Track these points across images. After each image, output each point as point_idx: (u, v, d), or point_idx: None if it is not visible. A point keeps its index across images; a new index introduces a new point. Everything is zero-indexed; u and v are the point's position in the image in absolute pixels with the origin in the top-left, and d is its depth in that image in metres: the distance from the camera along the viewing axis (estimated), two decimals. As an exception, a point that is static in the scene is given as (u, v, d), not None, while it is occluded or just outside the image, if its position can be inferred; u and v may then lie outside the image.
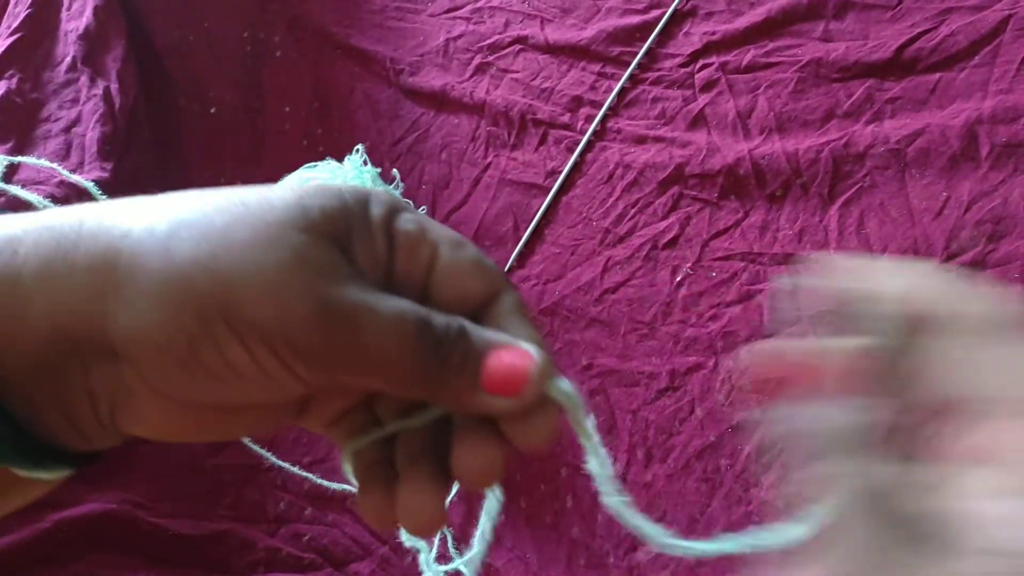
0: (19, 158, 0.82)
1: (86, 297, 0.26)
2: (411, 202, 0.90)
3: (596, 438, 0.31)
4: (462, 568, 0.73)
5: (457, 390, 0.27)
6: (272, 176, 0.88)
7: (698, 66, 0.88)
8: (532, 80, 0.93)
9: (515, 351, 0.27)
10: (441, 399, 0.28)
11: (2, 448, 0.26)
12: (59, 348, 0.26)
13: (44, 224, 0.26)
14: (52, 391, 0.27)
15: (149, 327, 0.25)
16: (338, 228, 0.27)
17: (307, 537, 0.77)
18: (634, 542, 0.72)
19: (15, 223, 0.26)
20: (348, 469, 0.31)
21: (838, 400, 0.27)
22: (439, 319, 0.27)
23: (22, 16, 0.93)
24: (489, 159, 0.91)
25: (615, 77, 0.90)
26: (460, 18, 0.99)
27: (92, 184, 0.82)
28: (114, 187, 0.83)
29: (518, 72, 0.94)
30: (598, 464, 0.30)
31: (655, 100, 0.88)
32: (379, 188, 0.85)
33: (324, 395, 0.31)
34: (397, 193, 0.89)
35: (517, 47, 0.95)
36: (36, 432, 0.27)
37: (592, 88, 0.91)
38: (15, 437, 0.26)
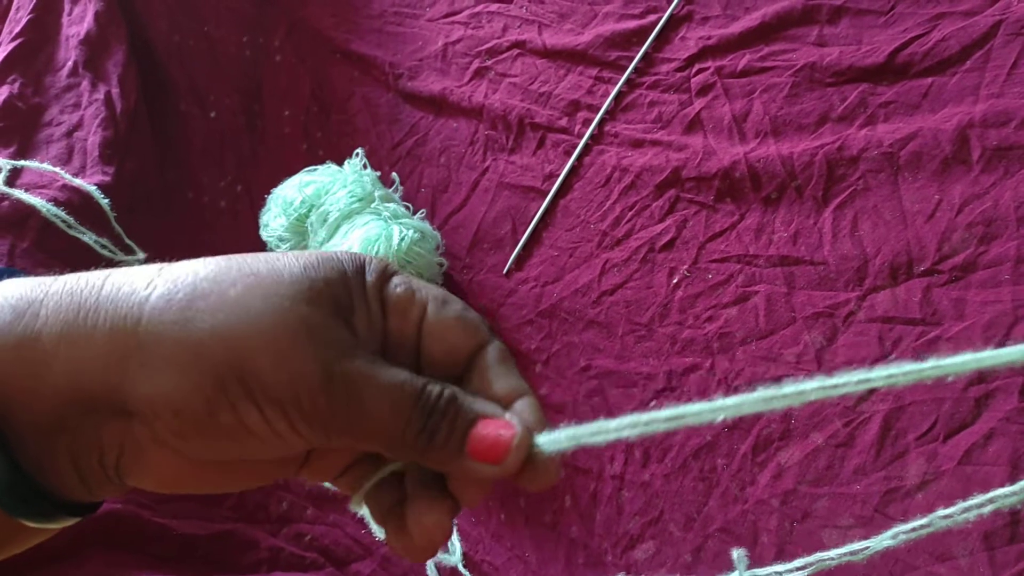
0: (22, 162, 0.83)
1: (105, 361, 0.27)
2: (411, 205, 0.91)
3: None
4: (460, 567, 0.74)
5: (444, 456, 0.30)
6: (272, 180, 0.89)
7: (694, 70, 0.89)
8: (530, 84, 0.94)
9: (498, 423, 0.30)
10: (429, 463, 0.31)
11: (12, 501, 0.27)
12: (75, 408, 0.28)
13: (66, 288, 0.28)
14: (64, 446, 0.28)
15: (169, 392, 0.27)
16: (340, 299, 0.30)
17: (309, 537, 0.78)
18: (632, 541, 0.73)
19: (38, 287, 0.28)
20: (367, 515, 0.33)
21: None
22: (433, 389, 0.30)
23: (24, 21, 0.93)
24: (487, 163, 0.92)
25: (612, 81, 0.91)
26: (458, 23, 1.00)
27: (94, 188, 0.82)
28: (115, 191, 0.84)
29: (516, 76, 0.95)
30: None
31: (652, 104, 0.89)
32: (380, 191, 0.86)
33: (327, 452, 0.33)
34: (397, 196, 0.90)
35: (515, 51, 0.96)
36: (44, 485, 0.28)
37: (589, 92, 0.92)
38: (25, 490, 0.28)
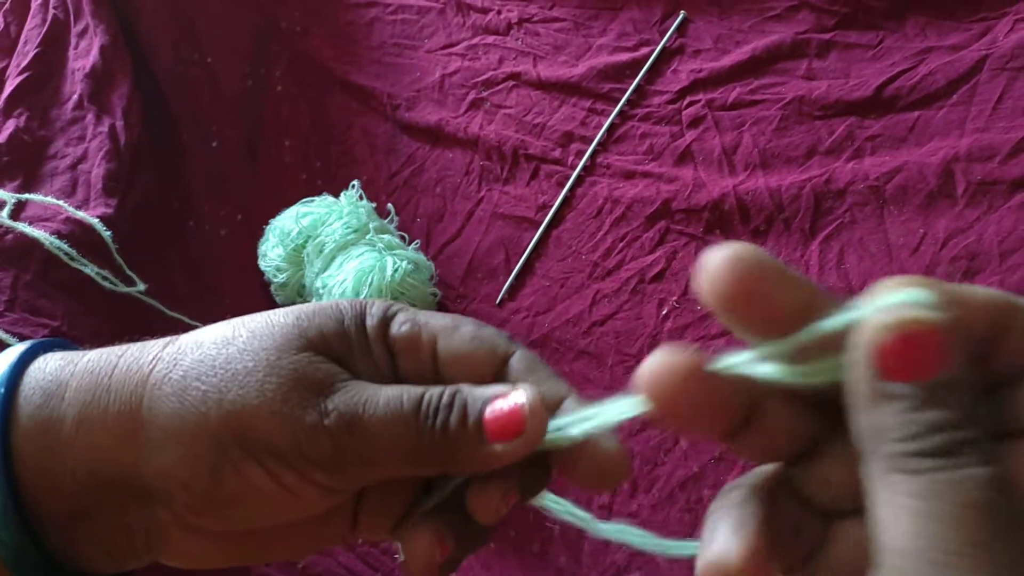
0: (26, 196, 0.85)
1: (117, 442, 0.28)
2: (406, 235, 0.93)
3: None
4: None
5: (466, 450, 0.28)
6: (272, 210, 0.90)
7: (685, 103, 0.90)
8: (524, 116, 0.96)
9: (509, 394, 0.28)
10: (456, 464, 0.29)
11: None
12: (97, 491, 0.28)
13: (87, 368, 0.29)
14: (90, 530, 0.29)
15: (172, 464, 0.28)
16: (337, 346, 0.29)
17: (301, 565, 0.79)
18: (619, 571, 0.73)
19: (67, 367, 0.29)
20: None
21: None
22: (433, 390, 0.29)
23: (31, 55, 0.96)
24: (482, 193, 0.94)
25: (605, 113, 0.93)
26: (456, 54, 1.02)
27: (97, 220, 0.84)
28: (117, 222, 0.86)
29: (511, 108, 0.97)
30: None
31: (643, 136, 0.90)
32: (375, 223, 0.87)
33: (376, 502, 0.32)
34: (392, 227, 0.92)
35: (510, 83, 0.98)
36: (68, 562, 0.29)
37: (583, 124, 0.93)
38: (47, 568, 0.28)
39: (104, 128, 0.92)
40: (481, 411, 0.28)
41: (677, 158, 0.88)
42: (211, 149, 1.02)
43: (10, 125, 0.90)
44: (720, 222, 0.83)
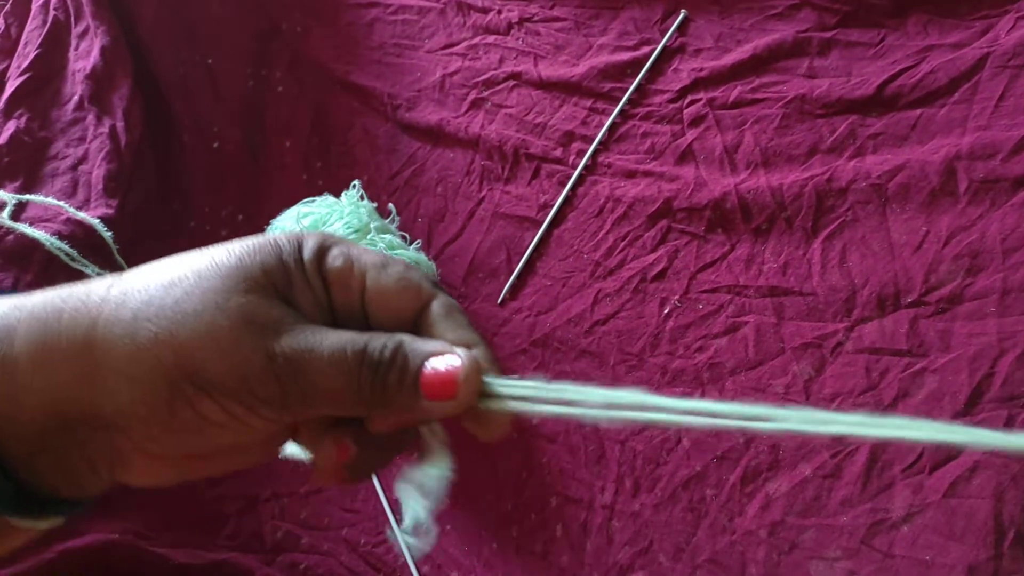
0: (27, 196, 0.85)
1: (71, 384, 0.29)
2: (407, 235, 0.92)
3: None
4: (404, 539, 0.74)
5: (402, 404, 0.31)
6: (273, 210, 0.90)
7: (686, 102, 0.90)
8: (525, 115, 0.96)
9: (446, 357, 0.31)
10: (391, 412, 0.32)
11: (3, 504, 0.29)
12: (54, 427, 0.29)
13: (35, 312, 0.30)
14: (52, 460, 0.30)
15: (130, 402, 0.29)
16: (278, 282, 0.31)
17: (304, 566, 0.79)
18: (622, 571, 0.73)
19: (14, 311, 0.30)
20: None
21: None
22: (376, 343, 0.31)
23: (31, 56, 0.96)
24: (483, 193, 0.94)
25: (606, 112, 0.93)
26: (456, 54, 1.02)
27: (98, 221, 0.84)
28: (118, 223, 0.86)
29: (512, 107, 0.97)
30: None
31: (645, 135, 0.90)
32: (376, 222, 0.87)
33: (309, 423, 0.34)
34: (394, 227, 0.91)
35: (511, 83, 0.98)
36: (35, 488, 0.30)
37: (584, 123, 0.93)
38: (16, 494, 0.29)
39: (105, 129, 0.92)
40: (419, 369, 0.31)
41: (678, 157, 0.88)
42: (212, 150, 1.02)
43: (11, 126, 0.90)
44: (722, 221, 0.83)
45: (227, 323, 0.29)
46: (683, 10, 0.94)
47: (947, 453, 0.67)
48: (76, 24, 0.98)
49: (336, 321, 0.32)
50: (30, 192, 0.86)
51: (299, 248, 0.32)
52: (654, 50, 0.93)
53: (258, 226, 0.92)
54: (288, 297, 0.31)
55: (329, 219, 0.86)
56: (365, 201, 0.90)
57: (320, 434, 0.33)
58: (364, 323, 0.33)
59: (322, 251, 0.32)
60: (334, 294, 0.33)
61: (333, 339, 0.30)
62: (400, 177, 0.98)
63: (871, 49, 0.86)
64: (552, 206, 0.90)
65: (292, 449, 0.35)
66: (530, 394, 0.32)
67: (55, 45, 0.98)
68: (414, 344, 0.31)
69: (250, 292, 0.30)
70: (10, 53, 0.98)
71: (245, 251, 0.31)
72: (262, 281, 0.30)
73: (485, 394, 0.32)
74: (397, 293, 0.33)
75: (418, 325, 0.33)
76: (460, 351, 0.31)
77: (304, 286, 0.32)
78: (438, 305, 0.33)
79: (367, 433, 0.33)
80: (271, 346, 0.29)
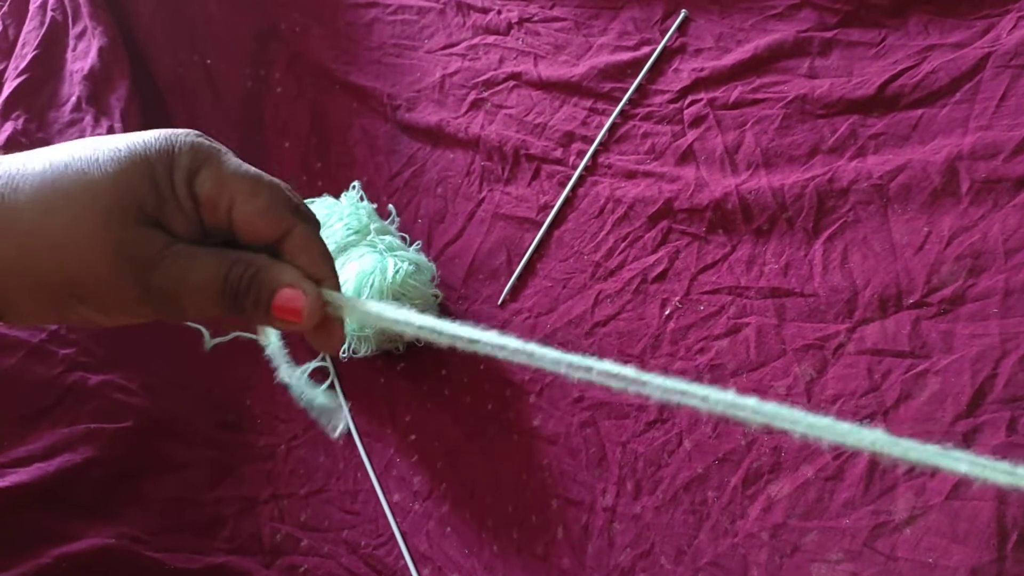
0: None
1: None
2: (407, 236, 0.92)
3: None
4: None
5: (256, 320, 0.37)
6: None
7: (687, 102, 0.90)
8: (525, 116, 0.95)
9: (294, 290, 0.36)
10: (249, 325, 0.39)
11: None
12: None
13: None
14: None
15: (18, 307, 0.34)
16: (150, 204, 0.34)
17: (303, 568, 0.79)
18: (623, 573, 0.73)
19: None
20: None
21: None
22: (236, 270, 0.35)
23: (29, 57, 0.95)
24: (483, 193, 0.93)
25: (606, 113, 0.92)
26: (456, 55, 1.02)
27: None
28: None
29: (512, 108, 0.96)
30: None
31: (645, 135, 0.90)
32: (376, 224, 0.87)
33: None
34: (393, 228, 0.91)
35: (511, 83, 0.98)
36: None
37: (584, 124, 0.93)
38: None
39: (103, 130, 0.92)
40: (271, 299, 0.36)
41: (679, 157, 0.87)
42: (210, 151, 1.01)
43: (8, 127, 0.89)
44: (723, 222, 0.83)
45: (107, 261, 0.33)
46: (683, 10, 0.94)
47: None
48: (74, 25, 0.98)
49: (206, 234, 0.36)
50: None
51: (171, 170, 0.35)
52: (654, 50, 0.93)
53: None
54: (160, 216, 0.34)
55: (329, 220, 0.85)
56: (365, 202, 0.90)
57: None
58: (232, 238, 0.37)
59: (192, 171, 0.35)
60: (203, 214, 0.36)
61: (202, 266, 0.35)
62: (400, 178, 0.97)
63: (872, 49, 0.85)
64: (552, 207, 0.90)
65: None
66: (373, 310, 0.38)
67: (53, 46, 0.97)
68: (270, 272, 0.36)
69: (126, 225, 0.33)
70: (8, 54, 0.98)
71: (119, 170, 0.33)
72: (133, 206, 0.33)
73: (335, 307, 0.38)
74: (261, 220, 0.36)
75: (279, 248, 0.37)
76: (307, 285, 0.36)
77: (175, 206, 0.35)
78: (299, 232, 0.37)
79: None
80: (146, 278, 0.34)
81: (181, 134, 0.36)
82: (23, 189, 0.33)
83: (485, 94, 0.98)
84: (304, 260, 0.37)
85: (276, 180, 0.38)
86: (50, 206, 0.33)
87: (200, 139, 0.36)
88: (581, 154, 0.91)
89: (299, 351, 0.85)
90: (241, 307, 0.36)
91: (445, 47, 1.03)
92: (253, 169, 0.37)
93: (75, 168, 0.33)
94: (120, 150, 0.34)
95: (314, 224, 0.39)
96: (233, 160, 0.37)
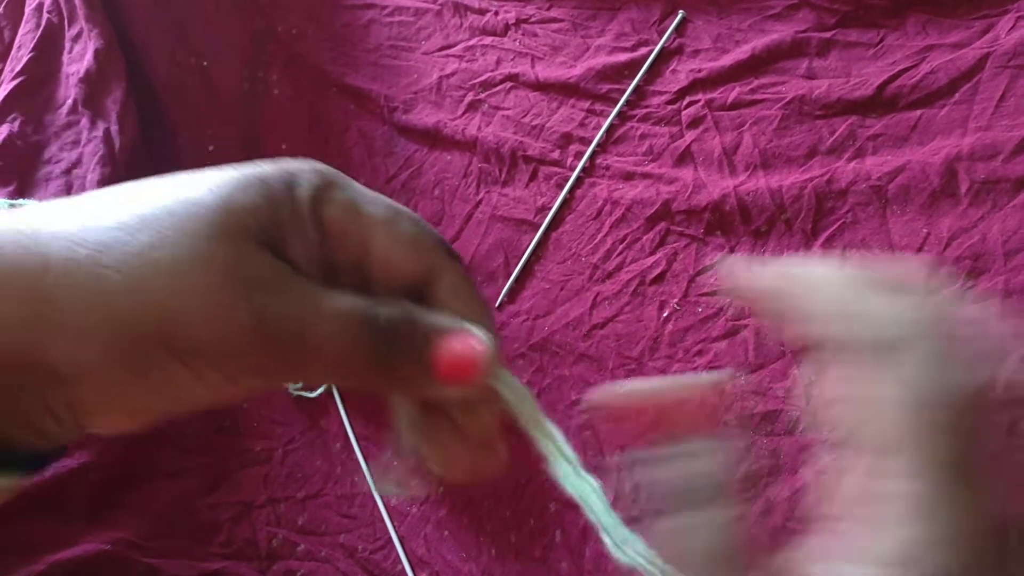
0: (20, 201, 0.84)
1: (18, 331, 0.25)
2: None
3: (550, 429, 0.30)
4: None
5: (409, 380, 0.27)
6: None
7: (685, 103, 0.89)
8: (523, 117, 0.95)
9: (465, 338, 0.27)
10: (393, 389, 0.28)
11: None
12: (7, 377, 0.25)
13: None
14: (9, 413, 0.26)
15: (89, 360, 0.25)
16: (268, 228, 0.26)
17: (300, 573, 0.78)
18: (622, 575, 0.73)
19: None
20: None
21: (687, 443, 0.28)
22: (384, 311, 0.27)
23: (25, 60, 0.95)
24: (480, 195, 0.93)
25: (604, 114, 0.92)
26: (453, 56, 1.01)
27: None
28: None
29: (509, 109, 0.96)
30: (562, 460, 0.30)
31: (643, 137, 0.90)
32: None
33: None
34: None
35: (508, 84, 0.97)
36: (7, 446, 0.26)
37: (581, 125, 0.92)
38: None
39: (99, 133, 0.91)
40: (433, 350, 0.27)
41: (677, 159, 0.87)
42: (207, 153, 1.01)
43: (4, 130, 0.89)
44: (721, 223, 0.82)
45: (211, 280, 0.24)
46: (681, 11, 0.93)
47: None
48: (70, 27, 0.97)
49: (332, 277, 0.28)
50: (23, 197, 0.85)
51: (292, 188, 0.27)
52: (652, 51, 0.93)
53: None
54: (278, 247, 0.26)
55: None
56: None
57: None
58: (363, 281, 0.28)
59: (320, 195, 0.27)
60: (332, 246, 0.28)
61: (334, 301, 0.26)
62: (397, 180, 0.97)
63: (870, 49, 0.85)
64: (550, 208, 0.89)
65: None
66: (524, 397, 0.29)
67: (48, 48, 0.97)
68: (424, 317, 0.27)
69: (234, 241, 0.25)
70: (3, 56, 0.97)
71: (228, 187, 0.26)
72: (249, 227, 0.26)
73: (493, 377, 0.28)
74: (406, 254, 0.28)
75: (425, 292, 0.29)
76: (480, 332, 0.27)
77: (297, 235, 0.27)
78: (452, 274, 0.29)
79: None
80: (261, 307, 0.25)
81: (298, 160, 0.28)
82: (86, 203, 0.26)
83: (482, 95, 0.98)
84: (458, 308, 0.28)
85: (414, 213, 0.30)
86: (132, 215, 0.25)
87: (322, 165, 0.28)
88: (579, 155, 0.91)
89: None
90: (393, 356, 0.26)
91: (442, 48, 1.02)
92: (387, 198, 0.29)
93: (169, 184, 0.27)
94: (227, 170, 0.27)
95: (464, 265, 0.30)
96: (363, 187, 0.29)
